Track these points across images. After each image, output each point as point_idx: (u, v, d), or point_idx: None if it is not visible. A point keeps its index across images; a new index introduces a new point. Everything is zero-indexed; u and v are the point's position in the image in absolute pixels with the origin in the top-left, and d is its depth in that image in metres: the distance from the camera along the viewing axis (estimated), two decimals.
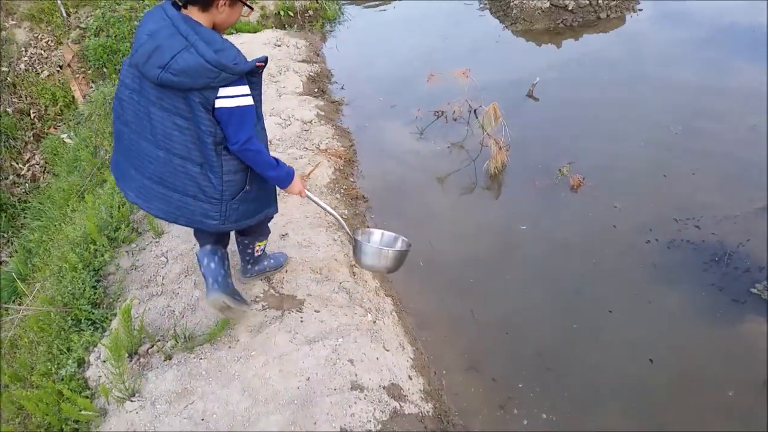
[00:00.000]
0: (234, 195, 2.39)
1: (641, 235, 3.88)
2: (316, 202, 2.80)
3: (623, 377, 3.08)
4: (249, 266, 3.15)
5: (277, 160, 2.44)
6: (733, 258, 3.63)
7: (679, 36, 6.33)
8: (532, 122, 5.15)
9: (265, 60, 2.28)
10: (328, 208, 2.86)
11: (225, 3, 2.18)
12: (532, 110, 5.36)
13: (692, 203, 4.07)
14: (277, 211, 2.77)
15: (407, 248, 3.10)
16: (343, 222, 3.01)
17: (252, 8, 2.40)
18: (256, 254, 3.06)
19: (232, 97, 2.17)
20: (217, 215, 2.41)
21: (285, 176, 2.49)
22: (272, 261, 3.27)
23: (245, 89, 2.20)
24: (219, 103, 2.16)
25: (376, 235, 3.22)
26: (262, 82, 2.38)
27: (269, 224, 2.98)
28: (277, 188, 2.63)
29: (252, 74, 2.23)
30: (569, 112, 5.27)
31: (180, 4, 2.16)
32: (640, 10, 6.99)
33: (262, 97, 2.40)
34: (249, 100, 2.22)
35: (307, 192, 2.69)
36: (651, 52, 6.10)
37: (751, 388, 2.98)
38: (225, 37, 2.22)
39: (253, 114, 2.28)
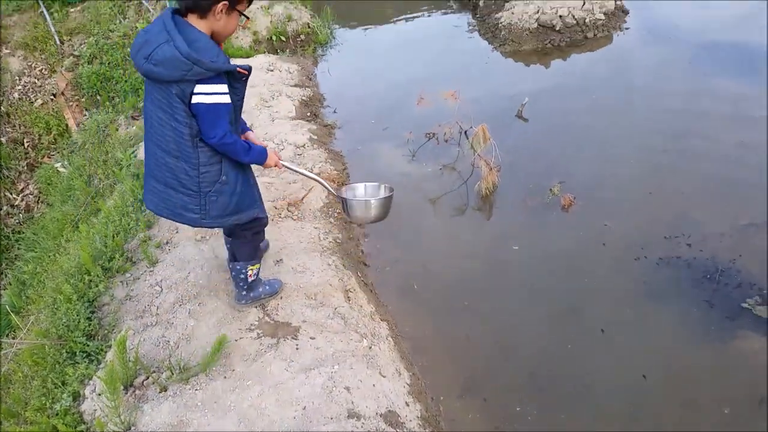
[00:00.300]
0: (210, 185, 2.53)
1: (632, 253, 3.91)
2: (293, 169, 2.93)
3: (619, 396, 3.09)
4: (244, 293, 3.17)
5: (248, 143, 2.62)
6: (724, 274, 3.66)
7: (665, 54, 6.42)
8: (522, 142, 5.20)
9: (249, 68, 2.47)
10: (307, 173, 3.02)
11: (222, 10, 2.34)
12: (521, 130, 5.41)
13: (682, 220, 4.11)
14: (264, 215, 2.88)
15: (390, 193, 3.30)
16: (326, 184, 3.13)
17: (248, 18, 2.55)
18: (249, 279, 3.09)
19: (209, 94, 2.33)
20: (196, 208, 2.58)
21: (258, 154, 2.65)
22: (267, 287, 3.28)
23: (223, 88, 2.36)
24: (196, 99, 2.33)
25: (360, 188, 3.40)
26: (256, 107, 2.54)
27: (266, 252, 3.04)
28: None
29: (235, 79, 2.42)
30: (558, 131, 5.33)
31: (182, 11, 2.34)
32: (627, 28, 7.10)
33: (257, 121, 2.53)
34: (226, 99, 2.38)
35: (283, 162, 2.84)
36: (638, 70, 6.19)
37: (747, 404, 2.99)
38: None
39: (229, 111, 2.44)
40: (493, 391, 3.15)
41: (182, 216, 2.62)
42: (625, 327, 3.46)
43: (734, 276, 3.65)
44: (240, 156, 2.55)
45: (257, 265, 3.09)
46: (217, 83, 2.34)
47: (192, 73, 2.26)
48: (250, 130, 2.92)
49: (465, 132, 4.95)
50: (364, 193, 3.38)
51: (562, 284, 3.79)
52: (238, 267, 3.03)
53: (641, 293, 3.66)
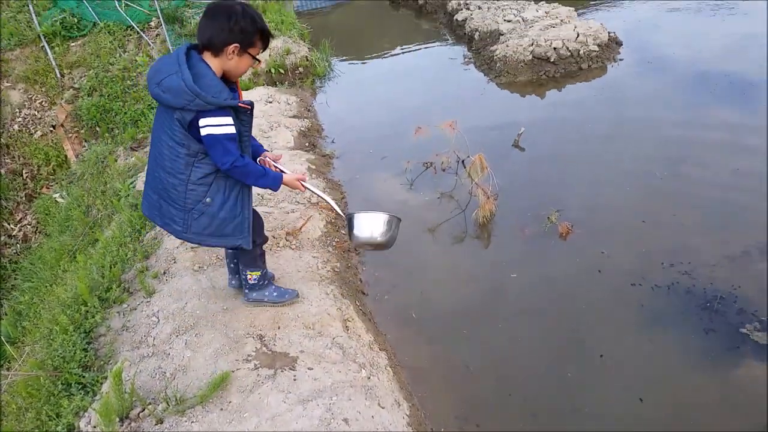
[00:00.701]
0: (194, 204, 2.74)
1: (631, 280, 3.90)
2: (314, 191, 3.16)
3: (617, 424, 3.05)
4: (246, 291, 3.36)
5: (264, 168, 2.84)
6: (722, 301, 3.65)
7: (659, 83, 6.52)
8: (519, 171, 5.24)
9: (251, 103, 2.69)
10: (327, 198, 3.24)
11: (233, 51, 2.59)
12: (518, 159, 5.46)
13: (680, 247, 4.11)
14: (249, 246, 2.96)
15: (398, 219, 3.25)
16: (338, 209, 3.27)
17: (260, 61, 2.80)
18: (249, 281, 3.29)
19: (216, 125, 2.56)
20: (181, 221, 2.79)
21: (273, 180, 2.85)
22: (275, 295, 3.40)
23: (227, 120, 2.58)
24: (204, 131, 2.56)
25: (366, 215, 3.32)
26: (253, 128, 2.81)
27: None
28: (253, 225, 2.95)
29: (239, 112, 2.64)
30: (555, 160, 5.38)
31: (199, 47, 2.61)
32: (621, 59, 7.22)
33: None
34: (231, 129, 2.60)
35: (305, 183, 3.02)
36: (632, 99, 6.27)
37: None
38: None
39: (236, 140, 2.65)
40: (492, 423, 3.11)
41: (170, 226, 2.85)
42: (623, 355, 3.43)
43: (732, 302, 3.64)
44: (252, 179, 2.78)
45: (257, 273, 3.27)
46: (221, 116, 2.56)
47: (194, 104, 2.49)
48: (267, 150, 3.11)
49: (462, 161, 4.98)
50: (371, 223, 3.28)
51: (560, 312, 3.77)
52: (241, 266, 3.30)
53: (640, 321, 3.64)
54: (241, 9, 2.60)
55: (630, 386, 3.25)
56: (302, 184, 2.99)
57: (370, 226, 3.19)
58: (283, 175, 2.93)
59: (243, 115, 2.66)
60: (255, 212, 3.03)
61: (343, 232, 4.56)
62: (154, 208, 2.85)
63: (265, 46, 2.73)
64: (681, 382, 3.26)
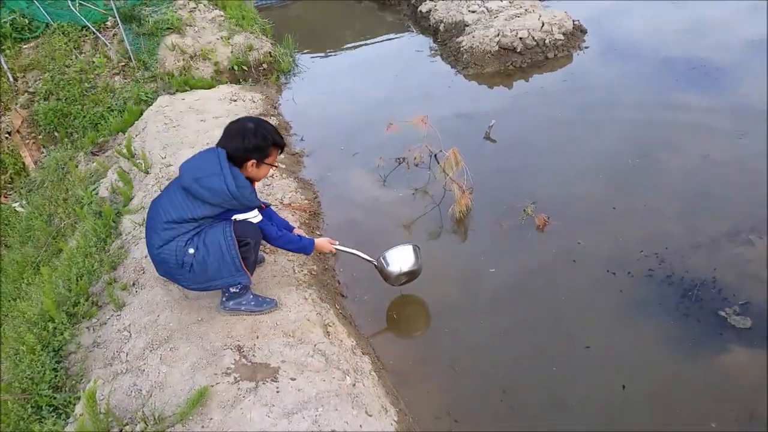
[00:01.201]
0: (183, 257, 2.95)
1: (609, 270, 3.91)
2: (343, 250, 3.59)
3: (602, 413, 3.06)
4: (224, 299, 3.28)
5: (300, 236, 3.36)
6: (700, 286, 3.69)
7: (625, 70, 6.57)
8: (492, 164, 5.21)
9: (267, 204, 3.38)
10: (357, 252, 3.64)
11: (252, 165, 2.99)
12: (491, 152, 5.43)
13: (655, 234, 4.15)
14: (249, 283, 3.19)
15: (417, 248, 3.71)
16: (367, 257, 3.66)
17: (277, 166, 3.32)
18: (231, 290, 3.23)
19: (251, 217, 3.05)
20: (182, 277, 3.06)
21: (309, 244, 3.35)
22: (252, 304, 3.31)
23: (255, 212, 3.07)
24: (241, 217, 3.03)
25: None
26: None
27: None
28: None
29: None
30: (527, 151, 5.37)
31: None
32: (586, 47, 7.25)
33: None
34: (259, 218, 3.11)
35: (336, 246, 3.53)
36: (599, 87, 6.30)
37: (734, 417, 2.98)
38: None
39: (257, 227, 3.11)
40: (481, 423, 3.08)
41: (180, 282, 3.14)
42: (605, 343, 3.45)
43: (710, 287, 3.68)
44: (293, 246, 3.31)
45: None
46: (250, 211, 3.04)
47: (229, 204, 2.90)
48: (294, 227, 3.62)
49: (435, 156, 4.93)
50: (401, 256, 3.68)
51: (540, 304, 3.77)
52: None
53: (619, 309, 3.66)
54: (254, 127, 2.94)
55: (612, 374, 3.26)
56: (333, 247, 3.49)
57: (401, 259, 3.65)
58: (315, 240, 3.39)
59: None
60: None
61: (318, 233, 4.48)
62: (161, 269, 3.11)
63: (281, 152, 3.15)
64: (663, 369, 3.29)
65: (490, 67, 6.96)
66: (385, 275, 3.67)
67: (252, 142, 2.91)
